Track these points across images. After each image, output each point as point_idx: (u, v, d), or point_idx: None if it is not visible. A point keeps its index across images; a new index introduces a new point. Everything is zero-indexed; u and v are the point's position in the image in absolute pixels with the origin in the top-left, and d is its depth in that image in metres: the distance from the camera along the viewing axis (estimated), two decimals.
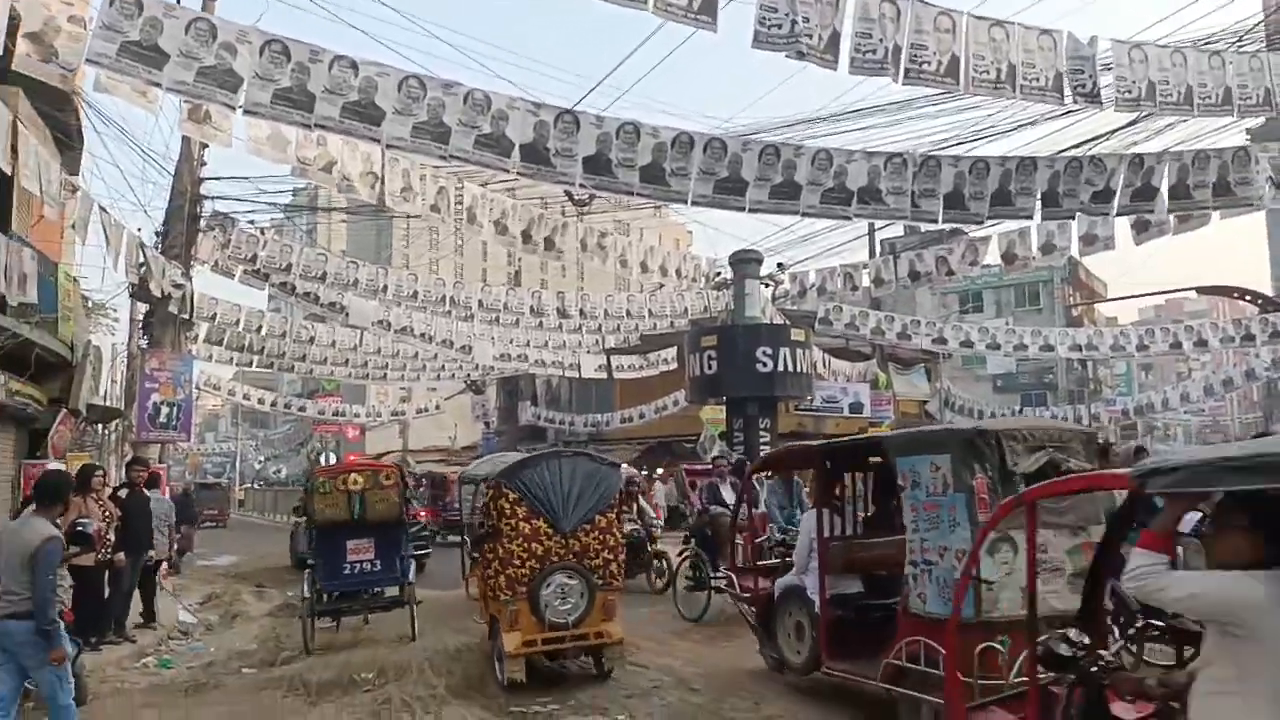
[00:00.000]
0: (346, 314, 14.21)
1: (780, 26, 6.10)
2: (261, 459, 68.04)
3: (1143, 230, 9.71)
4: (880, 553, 6.10)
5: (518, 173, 6.93)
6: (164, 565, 10.56)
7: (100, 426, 16.43)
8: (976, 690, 3.95)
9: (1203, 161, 8.50)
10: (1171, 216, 9.18)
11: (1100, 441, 6.14)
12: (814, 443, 7.42)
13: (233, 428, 64.74)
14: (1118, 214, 8.71)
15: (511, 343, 17.57)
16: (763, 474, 9.26)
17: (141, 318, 14.39)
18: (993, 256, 12.45)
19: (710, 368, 15.67)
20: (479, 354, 17.03)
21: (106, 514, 8.29)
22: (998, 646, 4.24)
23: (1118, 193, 8.34)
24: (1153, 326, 20.15)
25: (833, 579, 6.11)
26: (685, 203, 7.51)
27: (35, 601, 4.57)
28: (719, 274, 15.73)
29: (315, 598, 8.77)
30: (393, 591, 9.18)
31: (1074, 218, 9.03)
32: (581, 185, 7.31)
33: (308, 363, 18.16)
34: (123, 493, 9.15)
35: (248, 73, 5.96)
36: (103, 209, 9.26)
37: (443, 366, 19.69)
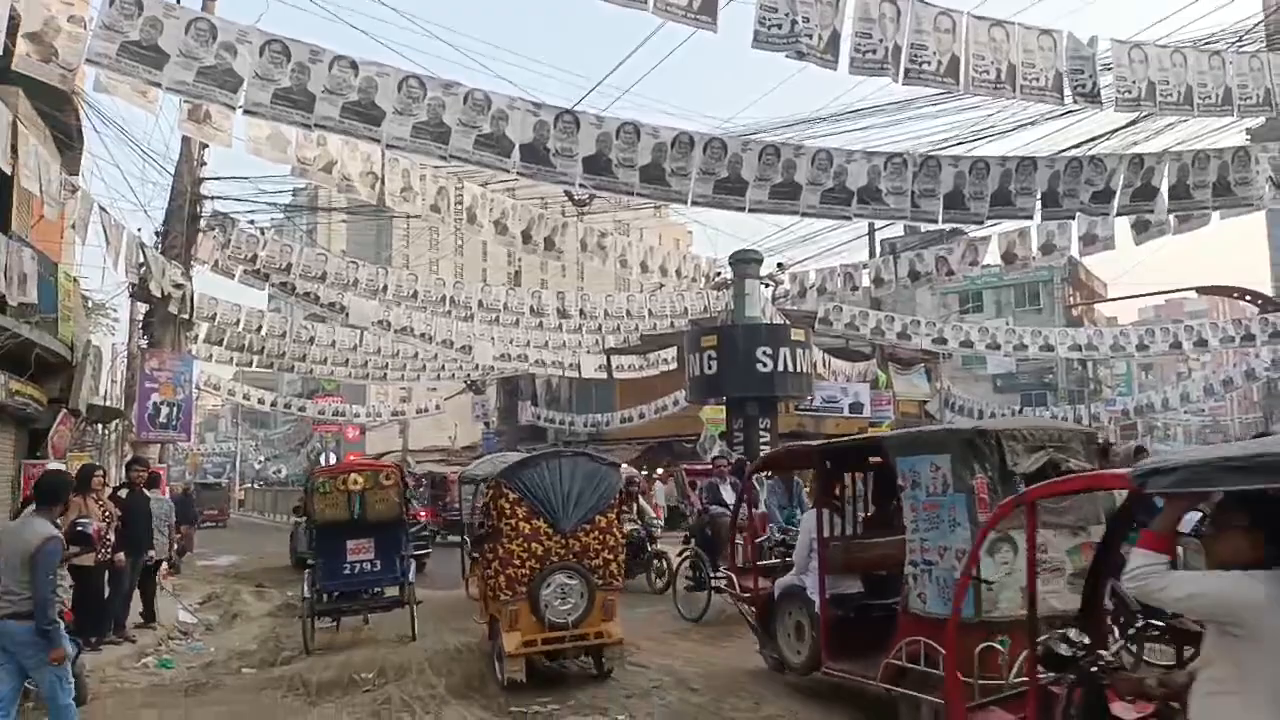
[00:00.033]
0: (346, 314, 14.21)
1: (780, 26, 6.10)
2: (261, 459, 68.03)
3: (1143, 230, 9.71)
4: (880, 553, 6.10)
5: (518, 173, 6.93)
6: (164, 565, 10.56)
7: (100, 426, 16.43)
8: (976, 690, 3.96)
9: (1203, 161, 8.50)
10: (1171, 216, 9.18)
11: (1100, 441, 6.15)
12: (813, 443, 7.42)
13: (233, 428, 64.72)
14: (1118, 214, 8.71)
15: (511, 343, 17.57)
16: (762, 474, 9.26)
17: (141, 318, 14.39)
18: (993, 256, 12.45)
19: (710, 368, 15.67)
20: (479, 354, 17.04)
21: (106, 514, 8.30)
22: (998, 646, 4.25)
23: (1118, 193, 8.34)
24: (1153, 326, 20.15)
25: (833, 579, 6.10)
26: (685, 203, 7.50)
27: (35, 601, 4.56)
28: (719, 274, 15.72)
29: (315, 597, 8.78)
30: (393, 591, 9.18)
31: (1074, 218, 9.02)
32: (581, 185, 7.30)
33: (308, 363, 18.17)
34: (122, 493, 9.15)
35: (248, 73, 5.96)
36: (103, 209, 9.26)
37: (443, 366, 19.70)
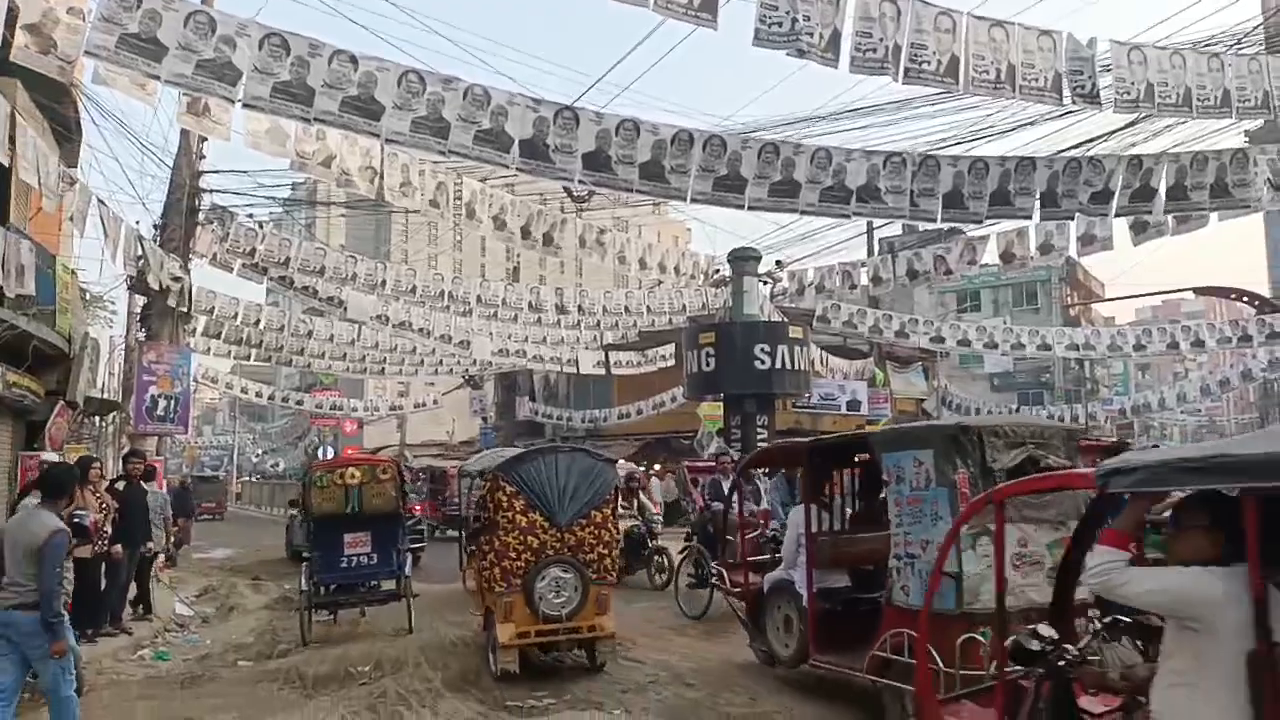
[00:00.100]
0: (345, 308, 14.20)
1: (781, 25, 6.11)
2: (259, 452, 68.03)
3: (1141, 231, 9.73)
4: (867, 547, 6.21)
5: (517, 168, 6.93)
6: (160, 558, 10.57)
7: (98, 419, 16.40)
8: (958, 681, 4.01)
9: (1201, 163, 8.52)
10: (1169, 217, 9.20)
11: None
12: (802, 440, 7.49)
13: (230, 421, 64.68)
14: (1116, 214, 8.73)
15: (510, 338, 17.57)
16: (762, 471, 9.30)
17: (139, 310, 14.35)
18: (991, 256, 12.48)
19: (708, 364, 15.68)
20: (477, 349, 17.04)
21: (103, 506, 8.31)
22: (979, 638, 4.29)
23: (1116, 193, 8.36)
24: (1150, 327, 20.17)
25: (820, 573, 6.20)
26: (684, 200, 7.51)
27: (41, 593, 4.60)
28: (717, 271, 15.72)
29: (313, 590, 8.81)
30: (389, 585, 9.21)
31: (1073, 218, 9.05)
32: (581, 181, 7.31)
33: (306, 356, 18.15)
34: (119, 485, 9.16)
35: (247, 66, 5.95)
36: (101, 202, 9.25)
37: (440, 361, 19.68)
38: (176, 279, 11.97)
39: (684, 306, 16.14)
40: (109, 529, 8.33)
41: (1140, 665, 2.87)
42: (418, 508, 16.33)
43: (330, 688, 6.86)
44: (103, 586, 8.54)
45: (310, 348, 17.54)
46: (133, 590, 9.41)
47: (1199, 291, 31.09)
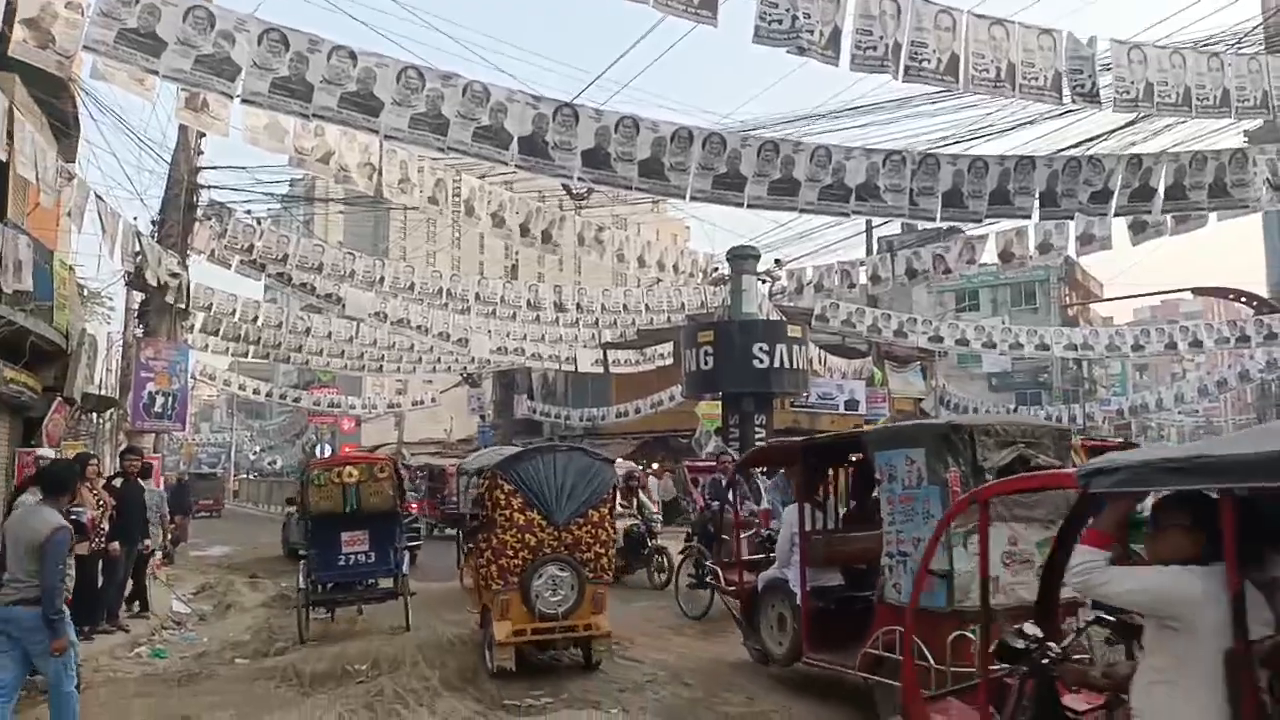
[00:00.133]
0: (343, 305, 14.18)
1: (781, 22, 6.10)
2: (257, 449, 67.96)
3: (1140, 231, 9.74)
4: (860, 546, 6.23)
5: (516, 165, 6.92)
6: (157, 555, 10.55)
7: (95, 415, 16.38)
8: (949, 678, 4.02)
9: (1200, 163, 8.52)
10: (1168, 217, 9.21)
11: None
12: (796, 439, 7.52)
13: (228, 418, 64.59)
14: (1115, 214, 8.73)
15: (508, 336, 17.56)
16: (761, 471, 9.31)
17: (137, 307, 14.32)
18: (990, 255, 12.47)
19: (706, 363, 15.68)
20: (475, 347, 17.01)
21: (100, 502, 8.29)
22: (970, 635, 4.30)
23: (1115, 193, 8.36)
24: (1148, 327, 20.18)
25: (814, 572, 6.23)
26: (684, 198, 7.50)
27: (44, 590, 4.61)
28: (716, 269, 15.71)
29: (310, 588, 8.80)
30: (387, 582, 9.21)
31: (1072, 217, 9.04)
32: (580, 179, 7.30)
33: (304, 353, 18.13)
34: (116, 482, 9.14)
35: (245, 61, 5.93)
36: (99, 197, 9.22)
37: (439, 359, 19.66)
38: (174, 275, 11.95)
39: (682, 305, 16.13)
40: (106, 526, 8.31)
41: (1121, 663, 2.91)
42: (414, 506, 16.33)
43: (327, 686, 6.85)
44: (100, 584, 8.53)
45: (308, 345, 17.52)
46: (129, 587, 9.39)
47: (1197, 292, 31.16)
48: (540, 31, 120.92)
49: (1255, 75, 7.57)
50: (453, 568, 10.43)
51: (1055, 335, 18.64)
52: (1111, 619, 3.11)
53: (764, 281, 15.91)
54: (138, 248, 10.75)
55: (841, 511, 7.24)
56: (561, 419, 27.97)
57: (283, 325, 16.61)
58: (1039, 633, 2.87)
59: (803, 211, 8.10)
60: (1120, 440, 12.22)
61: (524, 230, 9.96)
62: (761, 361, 15.09)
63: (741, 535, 8.61)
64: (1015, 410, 29.49)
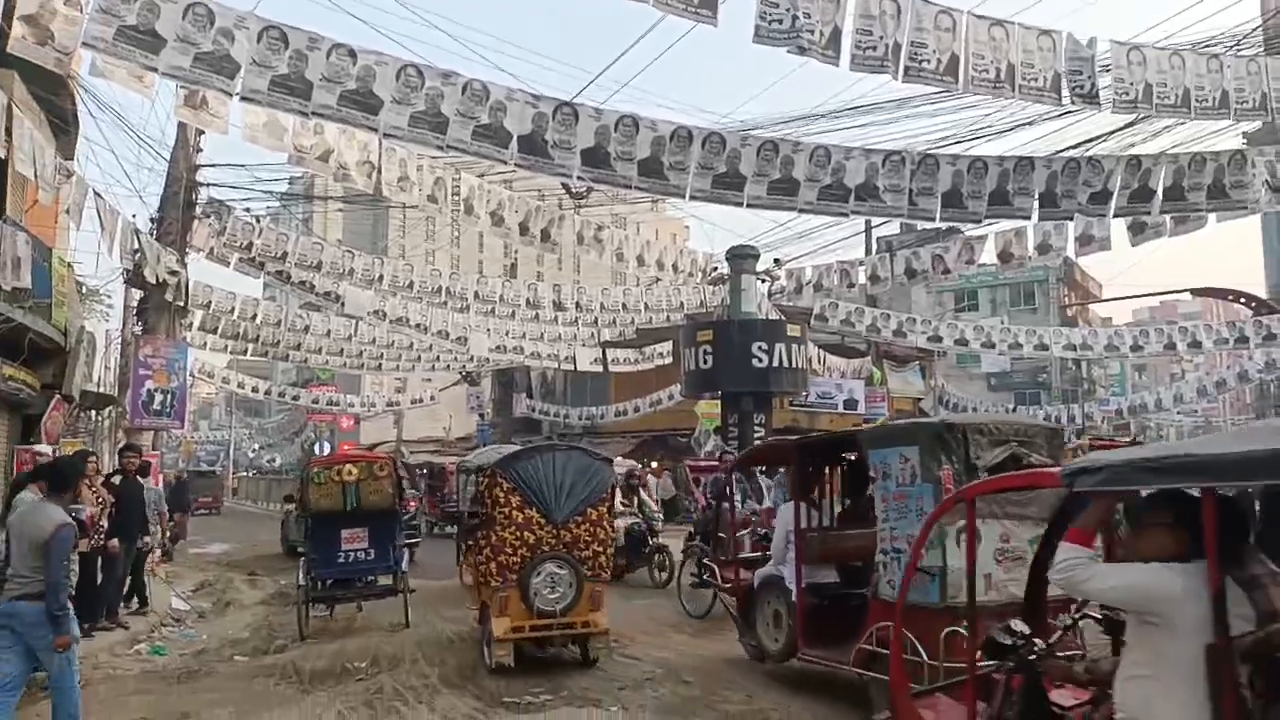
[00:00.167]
0: (342, 303, 14.19)
1: (781, 22, 6.10)
2: (255, 447, 67.89)
3: (1139, 231, 9.75)
4: (855, 544, 6.28)
5: (515, 164, 6.93)
6: (156, 552, 10.56)
7: (94, 413, 16.37)
8: (941, 673, 4.04)
9: (1199, 164, 8.54)
10: (1167, 218, 9.22)
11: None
12: (791, 438, 7.55)
13: (227, 416, 64.57)
14: (1114, 215, 8.75)
15: (507, 334, 17.57)
16: (760, 470, 9.33)
17: (136, 304, 14.32)
18: (989, 255, 12.49)
19: (706, 362, 15.70)
20: (474, 345, 17.03)
21: (99, 500, 8.29)
22: (962, 631, 4.32)
23: (1114, 194, 8.38)
24: (1147, 327, 20.22)
25: (809, 569, 6.27)
26: (683, 197, 7.51)
27: (48, 586, 4.63)
28: (715, 269, 15.73)
29: (310, 585, 8.82)
30: (387, 580, 9.22)
31: (1071, 218, 9.06)
32: (579, 178, 7.31)
33: (303, 351, 18.14)
34: (115, 479, 9.15)
35: (245, 59, 5.94)
36: (98, 194, 9.22)
37: (438, 357, 19.67)
38: (173, 273, 11.95)
39: (682, 304, 16.14)
40: (105, 523, 8.31)
41: (1105, 659, 2.94)
42: (412, 503, 16.34)
43: (327, 683, 6.85)
44: (99, 581, 8.53)
45: (307, 343, 17.52)
46: (127, 584, 9.40)
47: (1196, 293, 31.19)
48: (540, 30, 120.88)
49: (1254, 77, 7.58)
50: (452, 565, 10.44)
51: (1054, 335, 18.67)
52: (1097, 615, 3.14)
53: (763, 281, 15.94)
54: (136, 245, 10.75)
55: (836, 509, 7.28)
56: (560, 418, 27.99)
57: (281, 323, 16.61)
58: (1026, 629, 2.91)
59: (802, 211, 8.11)
60: (1129, 440, 12.24)
61: (523, 229, 9.97)
62: (760, 361, 15.11)
63: (740, 533, 8.65)
64: (1014, 410, 29.55)
